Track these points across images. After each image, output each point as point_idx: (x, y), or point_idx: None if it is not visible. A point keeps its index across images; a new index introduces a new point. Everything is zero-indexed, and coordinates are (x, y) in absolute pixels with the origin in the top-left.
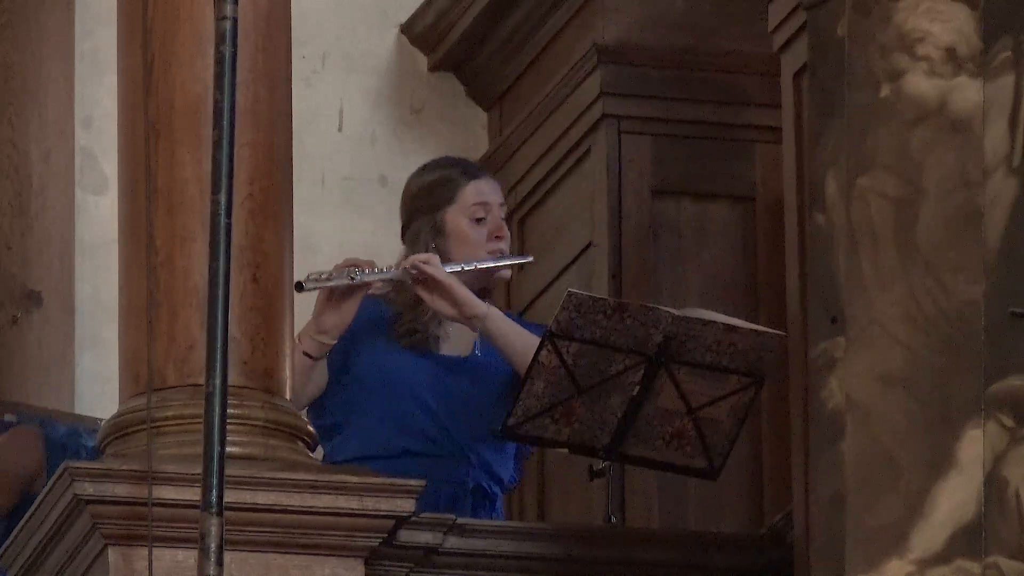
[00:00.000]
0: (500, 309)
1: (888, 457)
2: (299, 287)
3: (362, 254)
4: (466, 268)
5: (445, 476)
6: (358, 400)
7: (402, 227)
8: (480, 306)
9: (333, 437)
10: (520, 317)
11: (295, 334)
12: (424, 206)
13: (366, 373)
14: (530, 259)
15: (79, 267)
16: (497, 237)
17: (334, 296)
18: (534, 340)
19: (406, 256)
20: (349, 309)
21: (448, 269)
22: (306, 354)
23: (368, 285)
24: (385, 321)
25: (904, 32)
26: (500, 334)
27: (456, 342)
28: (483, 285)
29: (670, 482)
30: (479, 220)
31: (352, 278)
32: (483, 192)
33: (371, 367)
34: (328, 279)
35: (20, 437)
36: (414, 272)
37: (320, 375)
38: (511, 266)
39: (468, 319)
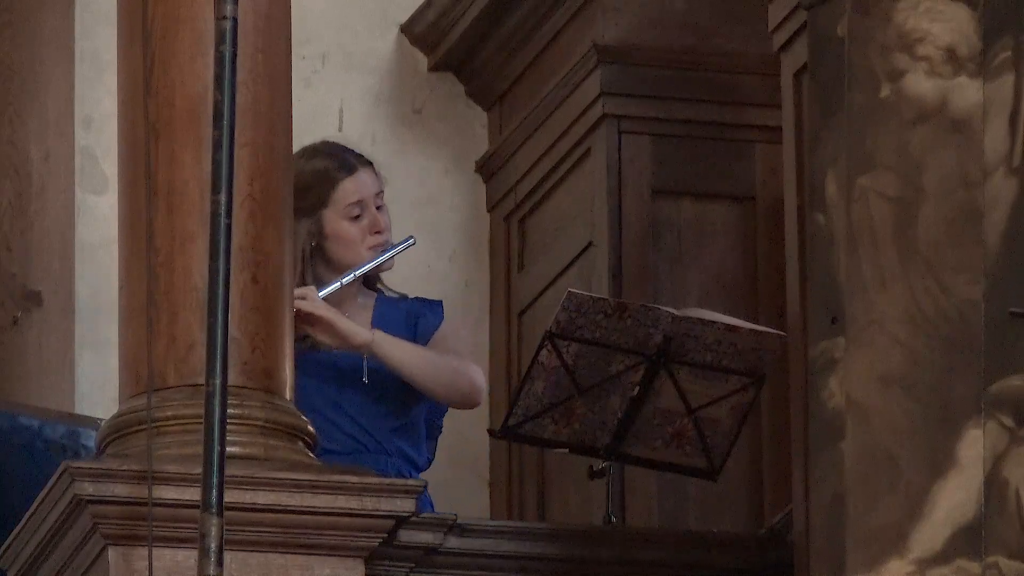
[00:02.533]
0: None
1: (888, 457)
2: None
3: None
4: (345, 282)
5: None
6: None
7: None
8: (363, 335)
9: None
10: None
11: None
12: (303, 207)
13: None
14: (412, 242)
15: (79, 267)
16: (376, 232)
17: None
18: (425, 355)
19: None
20: None
21: (327, 291)
22: None
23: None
24: None
25: (904, 32)
26: (390, 357)
27: None
28: (369, 278)
29: (670, 482)
30: (356, 218)
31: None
32: (357, 189)
33: None
34: None
35: None
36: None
37: None
38: (393, 256)
39: (355, 348)
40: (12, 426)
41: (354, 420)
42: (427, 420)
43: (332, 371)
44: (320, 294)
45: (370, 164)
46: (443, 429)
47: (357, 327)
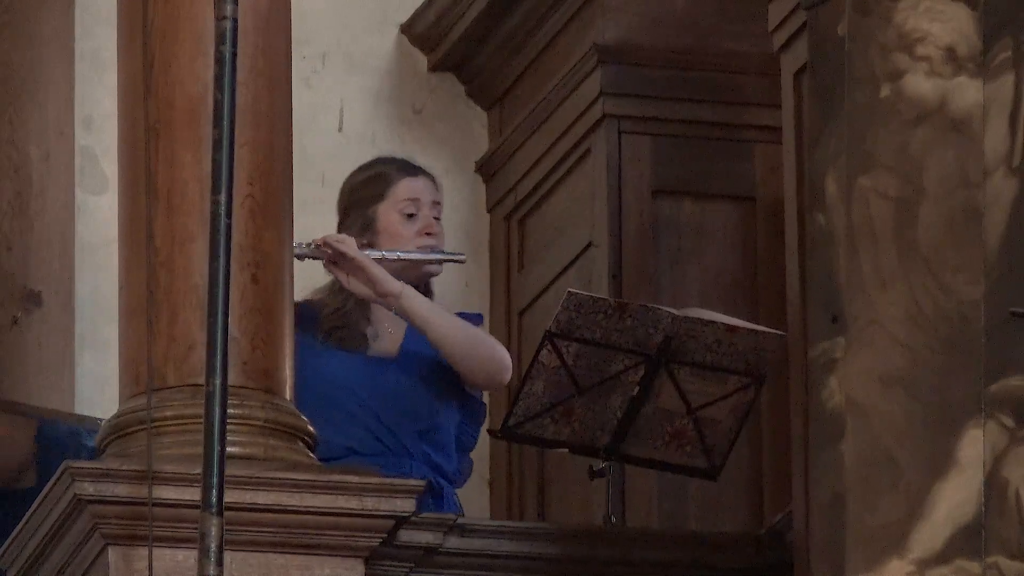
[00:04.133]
0: (498, 309)
1: (888, 457)
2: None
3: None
4: (387, 256)
5: (390, 472)
6: (303, 405)
7: (338, 223)
8: (394, 283)
9: None
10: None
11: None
12: (357, 201)
13: (306, 377)
14: (462, 257)
15: (79, 267)
16: (428, 234)
17: None
18: (454, 320)
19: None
20: None
21: (368, 254)
22: None
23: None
24: (316, 324)
25: (904, 32)
26: (417, 313)
27: (384, 342)
28: (411, 280)
29: (670, 482)
30: (410, 216)
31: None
32: (415, 189)
33: (310, 371)
34: None
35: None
36: (328, 251)
37: None
38: (439, 261)
39: (382, 296)
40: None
41: (379, 420)
42: (459, 432)
43: (360, 369)
44: (371, 254)
45: (433, 178)
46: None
47: (389, 276)
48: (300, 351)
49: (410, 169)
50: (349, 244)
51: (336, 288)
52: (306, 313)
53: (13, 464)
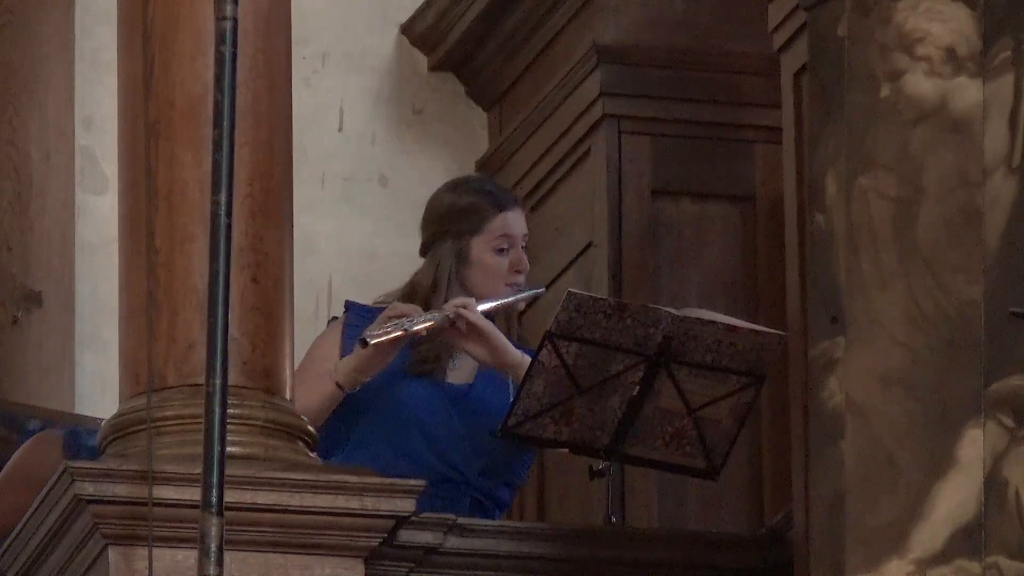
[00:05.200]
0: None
1: (888, 457)
2: (363, 343)
3: (361, 254)
4: (502, 303)
5: (442, 499)
6: (362, 420)
7: (424, 242)
8: (516, 354)
9: (333, 452)
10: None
11: (314, 356)
12: (451, 230)
13: (374, 395)
14: (543, 291)
15: (79, 267)
16: (517, 271)
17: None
18: None
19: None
20: (392, 353)
21: (484, 307)
22: (339, 386)
23: (416, 334)
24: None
25: (904, 32)
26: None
27: (461, 371)
28: (498, 315)
29: (670, 482)
30: (501, 251)
31: (405, 329)
32: (509, 225)
33: (379, 390)
34: (387, 333)
35: (42, 444)
36: (455, 318)
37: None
38: (527, 300)
39: (503, 366)
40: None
41: (444, 458)
42: (518, 471)
43: (433, 403)
44: (480, 308)
45: (522, 207)
46: None
47: (511, 345)
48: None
49: (506, 202)
50: (474, 310)
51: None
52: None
53: (47, 477)
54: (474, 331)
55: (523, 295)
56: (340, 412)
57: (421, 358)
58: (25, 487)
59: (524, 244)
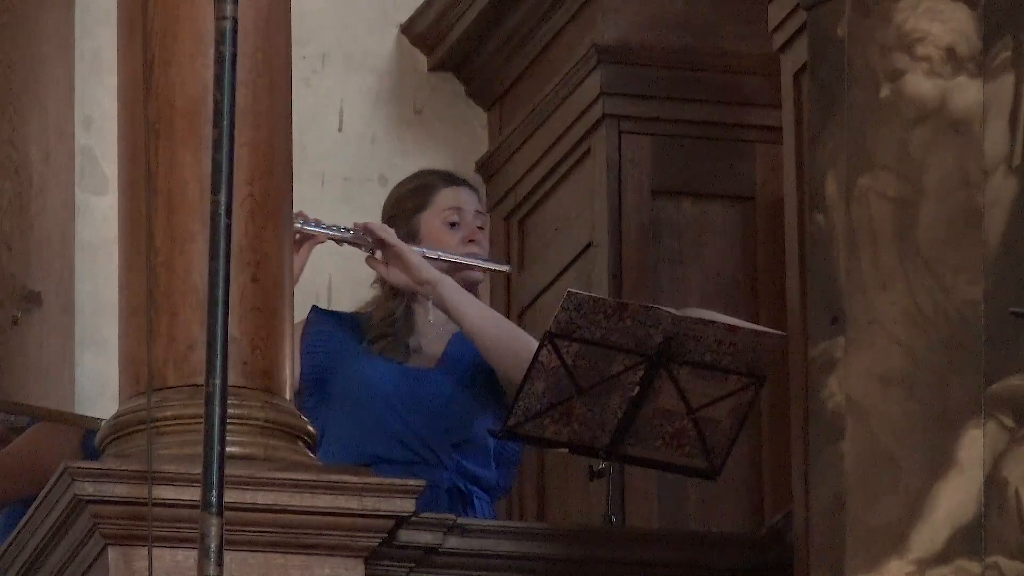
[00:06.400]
0: (498, 309)
1: (888, 457)
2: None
3: (361, 254)
4: (428, 254)
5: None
6: (334, 411)
7: None
8: (432, 271)
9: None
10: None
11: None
12: (400, 211)
13: (342, 383)
14: (507, 268)
15: (79, 267)
16: (471, 241)
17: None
18: (491, 312)
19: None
20: (298, 261)
21: (424, 254)
22: None
23: (315, 237)
24: (361, 331)
25: (904, 32)
26: (453, 303)
27: (426, 354)
28: (458, 283)
29: (670, 482)
30: (453, 225)
31: (300, 224)
32: (458, 198)
33: (347, 376)
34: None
35: (52, 428)
36: (368, 238)
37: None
38: (483, 269)
39: (420, 284)
40: None
41: (414, 431)
42: (499, 445)
43: (398, 379)
44: (423, 253)
45: (475, 189)
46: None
47: (426, 263)
48: (342, 355)
49: (453, 179)
50: (390, 232)
51: (384, 299)
52: (353, 322)
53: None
54: (383, 248)
55: (476, 261)
56: (310, 407)
57: (379, 334)
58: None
59: (482, 225)
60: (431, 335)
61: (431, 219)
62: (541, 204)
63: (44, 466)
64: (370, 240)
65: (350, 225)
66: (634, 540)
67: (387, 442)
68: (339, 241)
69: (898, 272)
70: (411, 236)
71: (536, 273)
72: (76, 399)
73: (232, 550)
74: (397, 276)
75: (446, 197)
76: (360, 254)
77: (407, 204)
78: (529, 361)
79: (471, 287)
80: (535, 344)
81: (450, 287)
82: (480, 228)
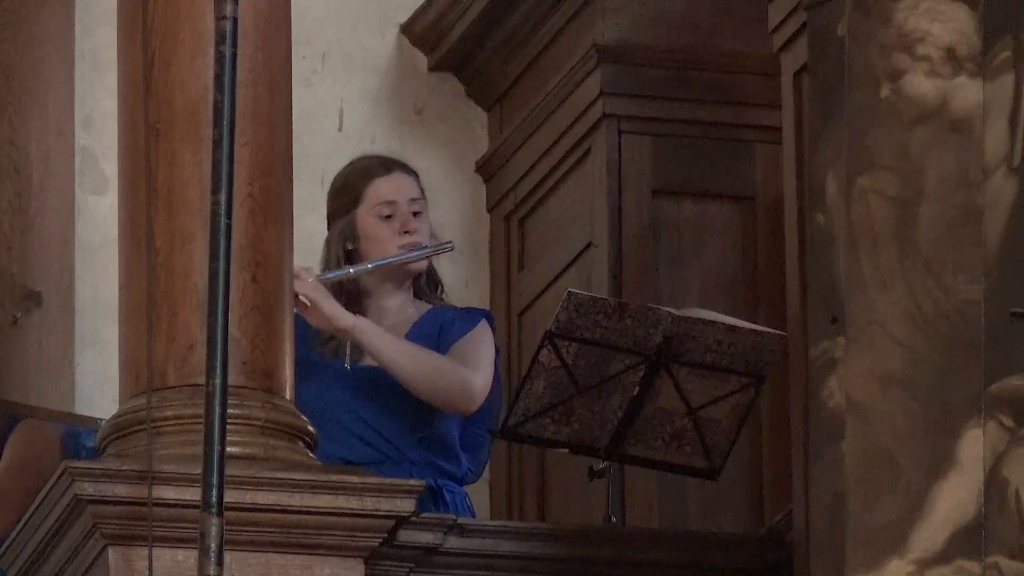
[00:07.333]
0: (498, 309)
1: (888, 457)
2: None
3: None
4: (353, 272)
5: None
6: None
7: (327, 227)
8: (345, 319)
9: None
10: (457, 308)
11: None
12: (336, 210)
13: (300, 390)
14: (450, 246)
15: (79, 267)
16: (406, 232)
17: None
18: (413, 352)
19: (325, 251)
20: None
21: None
22: None
23: None
24: (309, 337)
25: (904, 32)
26: (369, 345)
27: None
28: (402, 279)
29: (670, 482)
30: (388, 217)
31: None
32: (388, 190)
33: (302, 383)
34: None
35: (35, 435)
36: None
37: None
38: (423, 257)
39: (338, 332)
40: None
41: (374, 430)
42: (465, 431)
43: (351, 379)
44: (322, 277)
45: (412, 173)
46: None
47: (343, 312)
48: (297, 362)
49: (380, 169)
50: (304, 279)
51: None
52: (300, 328)
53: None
54: (302, 300)
55: (417, 253)
56: None
57: (325, 338)
58: (19, 475)
59: (417, 211)
60: (385, 325)
61: (364, 216)
62: (541, 204)
63: (31, 470)
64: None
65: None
66: (634, 540)
67: (349, 443)
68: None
69: (898, 272)
70: (350, 235)
71: (536, 273)
72: (76, 399)
73: (232, 550)
74: (317, 321)
75: (376, 190)
76: None
77: (340, 201)
78: (458, 397)
79: (419, 275)
80: (468, 378)
81: (366, 331)
82: (416, 214)
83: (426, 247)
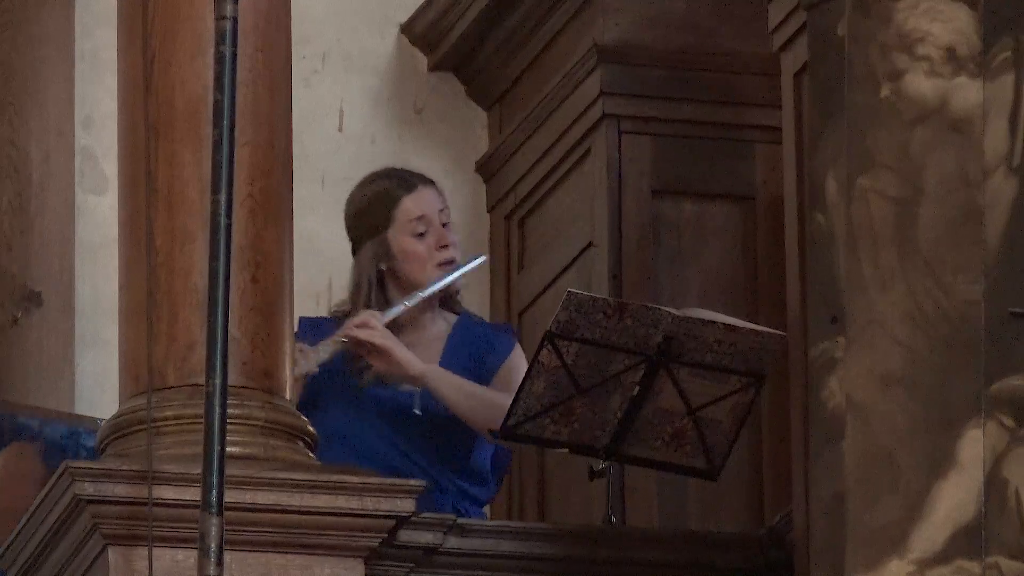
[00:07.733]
0: (498, 309)
1: (888, 457)
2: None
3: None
4: (409, 305)
5: (418, 506)
6: (326, 438)
7: (352, 248)
8: (418, 366)
9: None
10: (484, 322)
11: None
12: (366, 231)
13: (334, 412)
14: (483, 259)
15: (79, 267)
16: (443, 247)
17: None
18: (475, 393)
19: (352, 275)
20: (302, 380)
21: (391, 314)
22: None
23: (325, 364)
24: (345, 362)
25: (904, 32)
26: (439, 392)
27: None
28: (443, 296)
29: (670, 482)
30: (421, 235)
31: (309, 368)
32: (419, 205)
33: (337, 405)
34: (298, 368)
35: (18, 460)
36: (351, 341)
37: None
38: (462, 276)
39: (409, 379)
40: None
41: (409, 458)
42: (497, 450)
43: (386, 409)
44: (383, 318)
45: (432, 183)
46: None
47: (414, 359)
48: (332, 375)
49: (404, 186)
50: (373, 326)
51: (363, 305)
52: (330, 329)
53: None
54: (374, 349)
55: (457, 273)
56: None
57: (361, 368)
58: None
59: (446, 221)
60: (419, 345)
61: (398, 236)
62: (541, 204)
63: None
64: (353, 342)
65: (340, 337)
66: (634, 540)
67: (383, 471)
68: (322, 365)
69: (898, 272)
70: (384, 255)
71: (536, 273)
72: (76, 399)
73: (232, 550)
74: (382, 368)
75: (406, 209)
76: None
77: (370, 222)
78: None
79: (456, 293)
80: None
81: (437, 378)
82: (445, 224)
83: (462, 266)
